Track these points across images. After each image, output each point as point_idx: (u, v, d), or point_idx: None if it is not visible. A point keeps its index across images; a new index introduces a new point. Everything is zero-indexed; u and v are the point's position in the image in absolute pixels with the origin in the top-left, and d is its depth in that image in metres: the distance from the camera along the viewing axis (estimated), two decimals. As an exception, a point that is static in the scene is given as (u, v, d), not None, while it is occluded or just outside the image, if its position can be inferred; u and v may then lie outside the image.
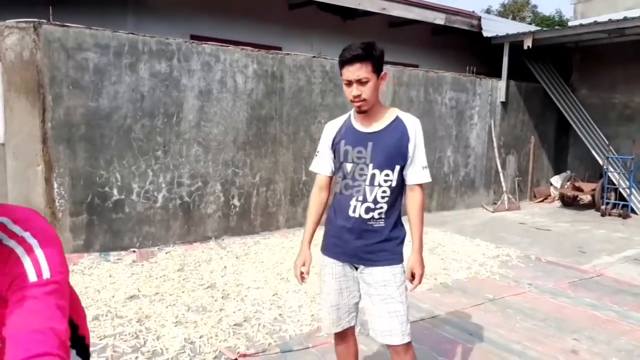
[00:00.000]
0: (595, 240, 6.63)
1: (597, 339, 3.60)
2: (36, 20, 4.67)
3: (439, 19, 8.88)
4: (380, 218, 2.26)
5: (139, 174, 5.30)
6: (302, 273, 2.41)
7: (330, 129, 2.41)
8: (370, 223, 2.26)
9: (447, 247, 5.90)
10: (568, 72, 10.06)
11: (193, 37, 7.02)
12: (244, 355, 3.14)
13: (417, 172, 2.24)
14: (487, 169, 8.85)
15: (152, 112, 5.34)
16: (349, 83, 2.17)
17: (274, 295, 4.17)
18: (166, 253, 5.23)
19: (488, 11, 23.07)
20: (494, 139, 8.80)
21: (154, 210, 5.41)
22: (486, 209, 8.52)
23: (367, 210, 2.24)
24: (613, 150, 9.08)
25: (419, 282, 2.27)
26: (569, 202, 9.16)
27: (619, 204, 8.58)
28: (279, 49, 7.42)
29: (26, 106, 4.64)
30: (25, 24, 4.63)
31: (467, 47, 10.01)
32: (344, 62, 2.16)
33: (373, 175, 2.23)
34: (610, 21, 7.76)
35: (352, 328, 2.49)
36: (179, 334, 3.39)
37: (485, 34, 9.12)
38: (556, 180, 9.66)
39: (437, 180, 8.09)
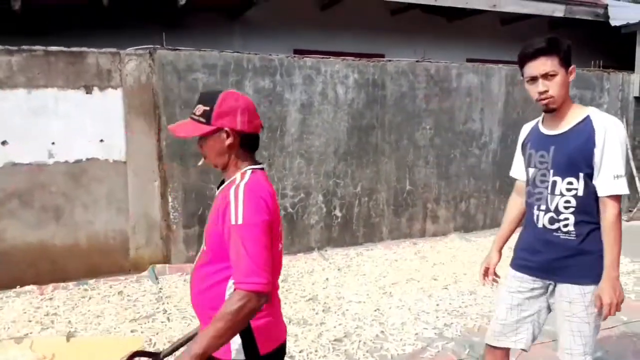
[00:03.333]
0: None
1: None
2: (151, 46, 5.06)
3: (558, 11, 8.12)
4: (568, 231, 2.04)
5: (246, 186, 5.46)
6: (484, 275, 2.42)
7: (523, 131, 2.32)
8: (556, 234, 2.07)
9: (572, 262, 5.31)
10: None
11: (296, 51, 7.16)
12: (342, 374, 3.04)
13: (606, 182, 1.94)
14: (620, 173, 7.88)
15: (256, 126, 5.49)
16: (533, 79, 2.02)
17: (375, 310, 4.03)
18: (271, 264, 5.33)
19: (617, -3, 20.80)
20: (627, 139, 7.82)
21: (260, 221, 5.55)
22: (620, 218, 7.60)
23: (551, 220, 2.08)
24: None
25: (608, 313, 1.96)
26: None
27: None
28: (382, 56, 7.30)
29: (144, 126, 5.02)
30: (142, 51, 5.02)
31: (592, 39, 9.04)
32: (525, 58, 2.02)
33: (554, 183, 2.05)
34: None
35: (507, 350, 2.32)
36: (278, 347, 3.38)
37: (613, 22, 8.15)
38: None
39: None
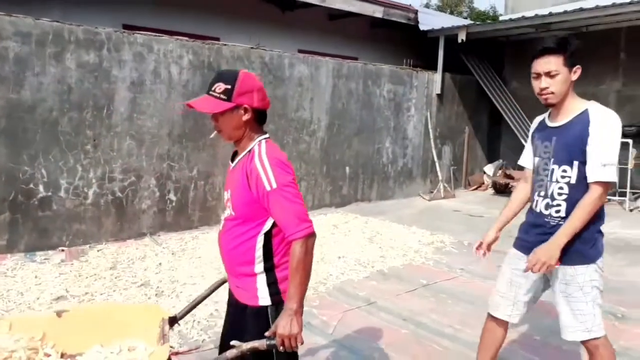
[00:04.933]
0: (524, 225, 6.95)
1: (524, 319, 3.77)
2: (-54, 5, 4.35)
3: (378, 12, 8.99)
4: (559, 217, 2.21)
5: (67, 169, 5.06)
6: (477, 247, 2.57)
7: (533, 124, 2.47)
8: (547, 220, 2.26)
9: (385, 236, 6.04)
10: (500, 66, 10.46)
11: (126, 27, 6.76)
12: (176, 354, 3.08)
13: (594, 169, 2.09)
14: (424, 159, 9.09)
15: (80, 104, 5.11)
16: (538, 75, 2.18)
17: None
18: (98, 251, 5.04)
19: (427, 6, 23.61)
20: (430, 130, 9.05)
21: (84, 206, 5.19)
22: (423, 198, 8.77)
23: (547, 206, 2.26)
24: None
25: (531, 267, 2.18)
26: (501, 190, 9.54)
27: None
28: (217, 39, 7.28)
29: (-63, 98, 4.32)
30: None
31: (405, 41, 10.21)
32: (534, 55, 2.17)
33: (552, 171, 2.23)
34: (537, 16, 8.14)
35: (507, 323, 2.51)
36: (109, 334, 3.28)
37: (422, 27, 9.32)
38: (489, 169, 10.05)
39: (377, 171, 8.24)
